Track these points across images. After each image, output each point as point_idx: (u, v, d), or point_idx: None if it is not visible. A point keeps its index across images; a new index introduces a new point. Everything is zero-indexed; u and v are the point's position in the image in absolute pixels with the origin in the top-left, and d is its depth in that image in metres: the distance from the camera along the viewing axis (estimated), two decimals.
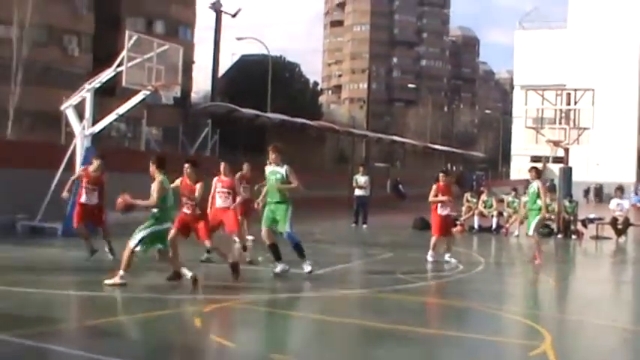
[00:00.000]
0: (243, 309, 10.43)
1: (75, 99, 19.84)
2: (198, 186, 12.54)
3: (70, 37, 55.77)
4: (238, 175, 18.95)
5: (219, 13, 51.91)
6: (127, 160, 23.80)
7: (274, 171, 13.28)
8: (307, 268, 13.38)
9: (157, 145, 32.45)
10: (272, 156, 13.44)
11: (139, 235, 11.42)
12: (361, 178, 26.41)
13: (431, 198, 16.42)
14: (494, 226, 25.46)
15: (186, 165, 12.77)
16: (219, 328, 9.11)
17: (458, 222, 26.01)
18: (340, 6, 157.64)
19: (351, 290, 12.72)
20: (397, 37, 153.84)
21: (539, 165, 69.48)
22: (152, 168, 11.79)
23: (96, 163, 14.92)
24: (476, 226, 25.63)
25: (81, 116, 19.78)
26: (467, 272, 15.01)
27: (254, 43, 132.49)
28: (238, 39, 56.82)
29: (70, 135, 21.09)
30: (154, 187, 11.48)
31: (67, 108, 19.92)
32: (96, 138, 20.57)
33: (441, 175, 16.72)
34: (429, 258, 16.06)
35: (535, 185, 17.52)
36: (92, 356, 7.39)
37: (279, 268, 13.39)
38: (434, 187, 16.50)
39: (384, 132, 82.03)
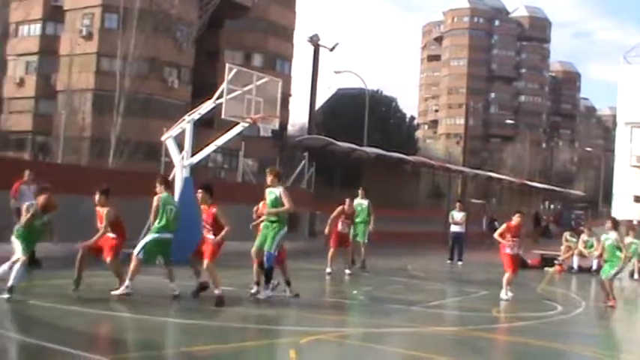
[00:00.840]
0: (337, 342, 10.45)
1: (175, 130, 20.34)
2: (214, 210, 13.33)
3: (170, 70, 57.31)
4: (340, 209, 19.17)
5: (316, 47, 52.47)
6: (223, 192, 24.23)
7: (271, 191, 13.74)
8: (265, 293, 13.49)
9: (253, 177, 32.84)
10: (269, 178, 13.89)
11: (141, 244, 12.75)
12: (457, 214, 26.23)
13: (496, 235, 16.23)
14: (594, 267, 24.78)
15: (199, 190, 13.71)
16: None
17: (557, 262, 25.50)
18: (437, 40, 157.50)
19: (446, 327, 12.60)
20: (495, 72, 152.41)
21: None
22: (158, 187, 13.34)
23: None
24: (575, 266, 25.05)
25: (180, 147, 20.26)
26: (566, 313, 14.69)
27: (351, 77, 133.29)
28: (336, 72, 57.31)
29: (169, 165, 21.60)
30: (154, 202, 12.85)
31: (168, 139, 20.44)
32: (193, 169, 21.00)
33: (516, 215, 16.45)
34: (503, 296, 15.73)
35: (612, 236, 16.67)
36: None
37: (263, 293, 13.52)
38: (504, 225, 16.29)
39: (481, 168, 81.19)
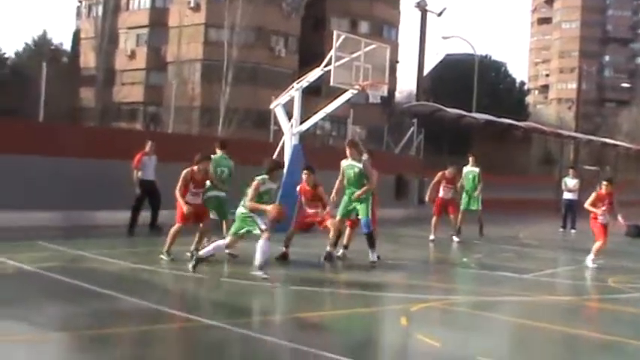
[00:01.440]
0: (448, 310, 10.42)
1: (284, 98, 20.53)
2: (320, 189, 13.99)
3: (277, 39, 57.72)
4: (440, 174, 19.07)
5: (424, 12, 51.84)
6: (332, 159, 24.36)
7: (351, 165, 13.96)
8: (373, 257, 13.69)
9: (361, 144, 32.92)
10: (349, 151, 14.06)
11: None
12: (571, 181, 25.65)
13: (587, 205, 15.66)
14: None
15: (306, 172, 14.20)
16: (425, 328, 9.14)
17: None
18: (548, 2, 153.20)
19: (559, 297, 12.39)
20: (610, 34, 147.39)
21: None
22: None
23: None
24: None
25: (289, 115, 20.44)
26: None
27: (459, 42, 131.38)
28: (444, 38, 56.97)
29: (278, 133, 21.85)
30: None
31: (277, 107, 20.65)
32: (302, 136, 21.16)
33: (604, 182, 15.78)
34: (589, 264, 15.31)
35: None
36: (299, 347, 7.66)
37: (372, 256, 13.75)
38: (594, 194, 15.66)
39: (594, 134, 78.97)
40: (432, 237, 18.49)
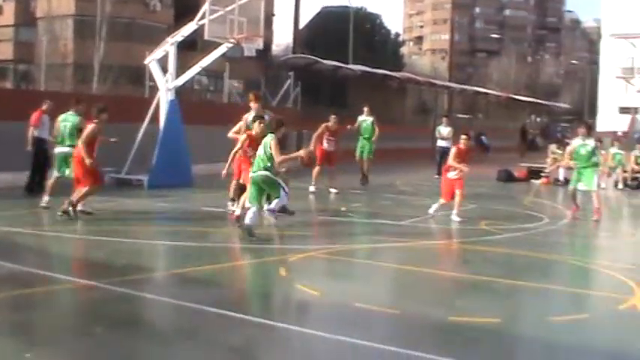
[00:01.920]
0: (327, 259, 10.53)
1: (158, 53, 20.11)
2: None
3: None
4: (323, 126, 19.14)
5: None
6: (209, 113, 24.13)
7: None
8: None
9: (239, 98, 32.64)
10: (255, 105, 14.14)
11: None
12: (444, 129, 26.23)
13: (452, 161, 14.94)
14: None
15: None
16: (304, 277, 9.22)
17: (543, 174, 25.65)
18: None
19: (434, 241, 12.72)
20: None
21: (630, 116, 67.66)
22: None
23: None
24: (561, 178, 25.16)
25: (164, 70, 20.06)
26: (552, 225, 14.83)
27: None
28: None
29: (153, 89, 21.45)
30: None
31: (151, 62, 20.22)
32: (178, 91, 20.83)
33: (463, 137, 15.33)
34: (455, 218, 14.57)
35: (591, 144, 16.40)
36: (179, 303, 7.60)
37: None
38: (454, 149, 15.23)
39: (467, 83, 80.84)
40: (312, 188, 18.58)
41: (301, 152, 11.84)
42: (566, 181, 23.97)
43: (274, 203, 11.42)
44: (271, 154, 11.30)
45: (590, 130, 17.45)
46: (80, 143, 13.04)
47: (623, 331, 7.34)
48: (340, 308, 7.79)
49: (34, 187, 16.49)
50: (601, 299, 8.80)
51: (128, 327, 6.91)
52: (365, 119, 21.43)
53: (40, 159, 16.68)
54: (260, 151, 11.53)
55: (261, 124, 12.60)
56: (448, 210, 14.73)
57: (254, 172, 11.51)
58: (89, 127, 13.14)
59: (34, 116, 16.53)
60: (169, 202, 16.19)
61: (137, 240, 11.41)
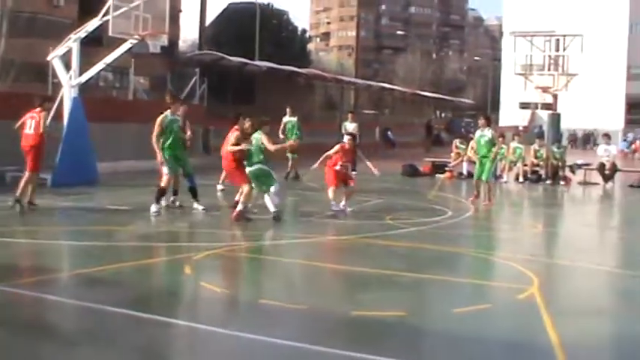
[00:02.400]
0: (231, 256, 10.49)
1: (61, 49, 19.65)
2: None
3: None
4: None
5: None
6: (114, 110, 23.71)
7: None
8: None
9: (145, 95, 32.19)
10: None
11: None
12: (350, 125, 26.32)
13: (331, 153, 15.32)
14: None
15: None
16: (208, 275, 9.16)
17: (447, 168, 26.12)
18: None
19: (340, 236, 12.79)
20: None
21: (529, 111, 69.27)
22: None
23: None
24: (465, 172, 25.68)
25: (67, 66, 19.63)
26: (456, 218, 15.11)
27: None
28: None
29: (57, 85, 20.95)
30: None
31: (54, 58, 19.74)
32: (83, 88, 20.43)
33: (347, 137, 15.96)
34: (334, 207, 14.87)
35: (488, 134, 17.59)
36: (83, 304, 7.45)
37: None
38: (338, 146, 15.39)
39: (373, 79, 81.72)
40: (220, 186, 18.41)
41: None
42: (469, 175, 24.55)
43: (274, 188, 13.34)
44: (263, 148, 13.17)
45: (488, 121, 18.25)
46: None
47: (522, 320, 7.53)
48: (245, 305, 7.77)
49: None
50: (502, 290, 9.01)
51: (30, 330, 6.74)
52: (289, 120, 22.79)
53: None
54: (251, 146, 13.26)
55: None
56: (355, 205, 14.84)
57: (250, 167, 13.28)
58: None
59: None
60: (73, 200, 15.85)
61: (39, 240, 11.14)
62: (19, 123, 14.46)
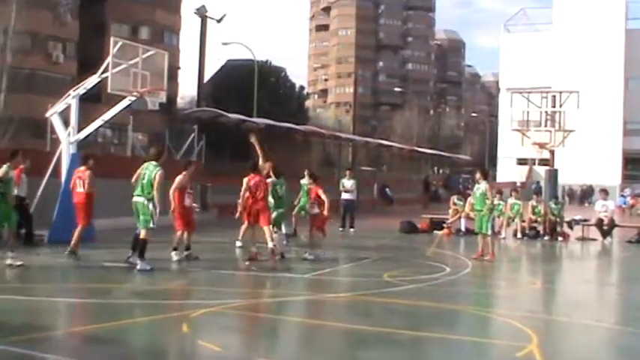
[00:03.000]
0: (230, 314, 10.44)
1: (60, 106, 19.81)
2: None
3: (54, 44, 55.69)
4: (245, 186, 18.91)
5: (204, 19, 51.89)
6: (112, 167, 23.77)
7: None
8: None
9: (143, 151, 32.31)
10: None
11: None
12: (348, 182, 26.42)
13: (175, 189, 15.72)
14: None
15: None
16: (206, 333, 9.12)
17: (445, 225, 26.12)
18: (325, 10, 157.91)
19: (338, 294, 12.75)
20: (383, 41, 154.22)
21: (527, 167, 69.51)
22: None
23: None
24: (462, 228, 25.68)
25: (66, 123, 19.76)
26: (454, 275, 15.08)
27: (240, 48, 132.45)
28: (224, 44, 56.89)
29: (56, 142, 21.07)
30: None
31: (53, 115, 19.89)
32: (81, 144, 20.54)
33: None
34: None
35: (483, 186, 17.85)
36: None
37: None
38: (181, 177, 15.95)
39: (371, 136, 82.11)
40: (239, 243, 18.19)
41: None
42: (468, 232, 24.58)
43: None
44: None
45: (484, 174, 18.44)
46: None
47: None
48: None
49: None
50: (501, 348, 8.97)
51: None
52: (305, 182, 22.58)
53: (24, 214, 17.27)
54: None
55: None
56: (353, 262, 14.78)
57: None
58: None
59: (16, 174, 16.51)
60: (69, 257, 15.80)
61: (35, 297, 11.09)
62: (71, 184, 16.15)
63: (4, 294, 11.17)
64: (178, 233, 15.63)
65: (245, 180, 15.86)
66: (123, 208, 15.63)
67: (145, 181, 13.84)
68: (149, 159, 14.33)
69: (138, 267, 13.64)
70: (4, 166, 13.98)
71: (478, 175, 18.54)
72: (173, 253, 15.37)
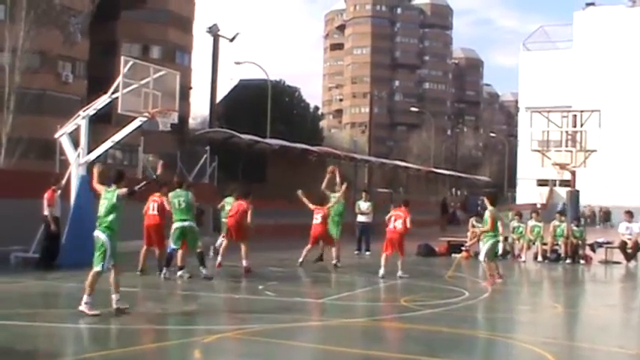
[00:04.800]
0: (243, 339, 10.42)
1: (69, 127, 19.89)
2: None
3: (64, 64, 56.14)
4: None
5: (216, 38, 52.15)
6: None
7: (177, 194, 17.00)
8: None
9: (153, 173, 32.41)
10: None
11: None
12: (363, 204, 26.34)
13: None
14: (499, 251, 25.31)
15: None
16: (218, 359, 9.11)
17: (463, 248, 25.99)
18: (340, 29, 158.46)
19: (354, 319, 12.71)
20: (399, 60, 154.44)
21: (547, 189, 69.09)
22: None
23: None
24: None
25: (76, 144, 19.84)
26: (473, 299, 15.02)
27: (253, 67, 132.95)
28: (237, 63, 57.20)
29: (65, 163, 21.15)
30: None
31: (62, 136, 19.97)
32: (91, 166, 20.60)
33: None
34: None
35: (487, 213, 17.94)
36: None
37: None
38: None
39: (387, 157, 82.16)
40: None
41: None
42: None
43: None
44: None
45: (490, 200, 18.42)
46: None
47: None
48: None
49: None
50: None
51: None
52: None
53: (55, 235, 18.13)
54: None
55: None
56: (370, 286, 14.74)
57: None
58: None
59: (49, 195, 17.93)
60: (80, 282, 15.75)
61: (44, 323, 11.11)
62: (145, 208, 17.10)
63: (9, 320, 11.19)
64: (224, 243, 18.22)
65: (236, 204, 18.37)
66: (133, 231, 15.73)
67: (183, 207, 16.32)
68: (173, 187, 16.60)
69: (204, 273, 16.20)
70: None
71: (487, 201, 18.74)
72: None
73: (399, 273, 17.99)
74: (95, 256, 11.91)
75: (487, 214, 17.96)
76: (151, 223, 16.99)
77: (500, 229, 24.65)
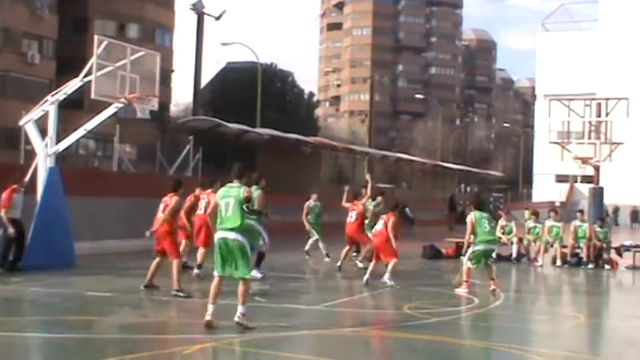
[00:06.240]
0: (227, 350, 10.40)
1: (36, 113, 19.80)
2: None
3: (29, 42, 55.96)
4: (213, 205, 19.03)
5: (201, 16, 51.98)
6: (96, 183, 23.82)
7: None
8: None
9: (130, 165, 32.38)
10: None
11: None
12: (371, 204, 26.30)
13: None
14: (513, 254, 25.36)
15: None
16: None
17: (462, 255, 25.97)
18: (338, 6, 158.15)
19: (352, 328, 12.69)
20: (403, 42, 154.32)
21: (567, 185, 69.19)
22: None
23: None
24: (493, 254, 25.51)
25: (43, 132, 19.75)
26: (484, 307, 15.00)
27: (241, 49, 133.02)
28: (223, 44, 57.01)
29: (31, 153, 21.07)
30: None
31: (27, 123, 19.87)
32: (60, 157, 20.55)
33: None
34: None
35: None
36: None
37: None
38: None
39: (389, 149, 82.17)
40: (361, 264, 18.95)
41: None
42: (499, 257, 24.43)
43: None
44: None
45: (476, 204, 18.43)
46: None
47: None
48: None
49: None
50: None
51: None
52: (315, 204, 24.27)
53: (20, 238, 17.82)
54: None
55: None
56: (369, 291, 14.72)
57: None
58: None
59: (5, 196, 17.52)
60: (46, 286, 15.79)
61: (5, 332, 11.06)
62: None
63: None
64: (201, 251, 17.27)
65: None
66: (107, 229, 15.71)
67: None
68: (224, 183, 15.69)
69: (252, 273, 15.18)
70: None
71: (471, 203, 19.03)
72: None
73: (386, 277, 17.35)
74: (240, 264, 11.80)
75: (467, 218, 17.87)
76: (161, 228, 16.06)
77: (500, 231, 24.75)
